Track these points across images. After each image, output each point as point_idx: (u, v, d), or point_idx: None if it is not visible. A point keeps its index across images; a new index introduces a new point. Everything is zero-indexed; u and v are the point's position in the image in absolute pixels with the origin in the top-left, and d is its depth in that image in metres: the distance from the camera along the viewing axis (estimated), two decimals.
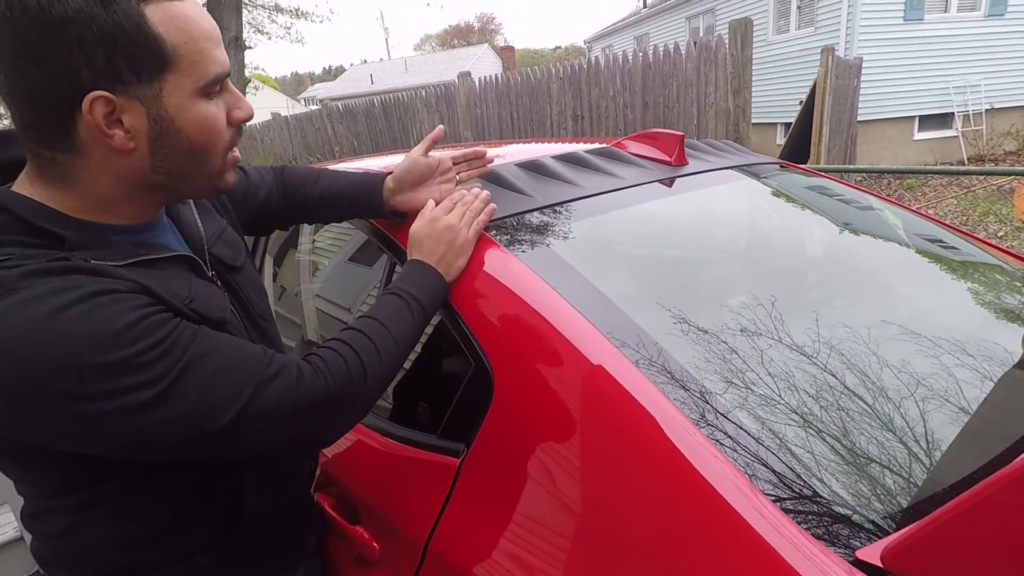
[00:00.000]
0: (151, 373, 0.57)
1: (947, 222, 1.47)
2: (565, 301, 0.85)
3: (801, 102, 6.20)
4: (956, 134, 8.79)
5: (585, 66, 5.17)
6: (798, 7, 9.21)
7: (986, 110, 8.75)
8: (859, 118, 7.26)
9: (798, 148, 5.93)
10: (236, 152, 0.72)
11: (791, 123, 6.50)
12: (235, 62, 12.01)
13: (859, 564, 0.58)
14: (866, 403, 0.80)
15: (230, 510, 0.77)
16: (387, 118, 7.53)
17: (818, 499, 0.66)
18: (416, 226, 0.90)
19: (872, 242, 1.33)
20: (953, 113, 8.78)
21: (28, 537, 0.82)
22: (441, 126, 1.07)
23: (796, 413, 0.77)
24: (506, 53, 31.22)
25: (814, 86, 5.65)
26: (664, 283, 1.05)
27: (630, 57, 4.84)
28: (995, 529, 0.45)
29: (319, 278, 1.68)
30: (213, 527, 0.75)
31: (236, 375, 0.62)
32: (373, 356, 0.74)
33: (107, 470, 0.66)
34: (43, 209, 0.62)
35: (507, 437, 0.81)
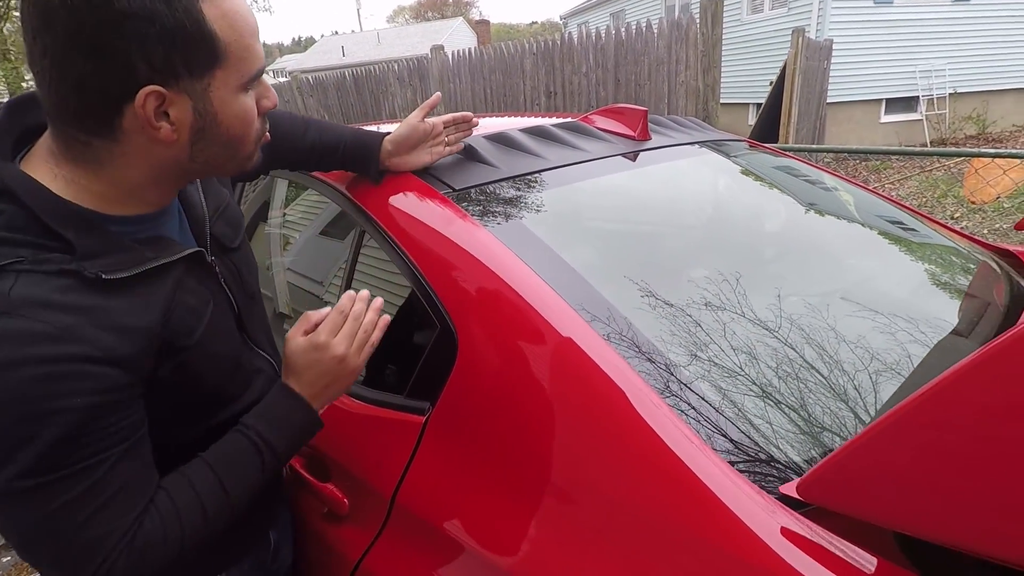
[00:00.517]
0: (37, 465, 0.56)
1: (891, 197, 1.54)
2: (526, 267, 0.89)
3: (772, 83, 6.29)
4: (920, 118, 9.01)
5: (558, 42, 5.16)
6: None
7: (949, 94, 8.99)
8: (828, 100, 7.40)
9: (768, 128, 6.03)
10: (266, 134, 0.73)
11: (763, 103, 6.59)
12: None
13: (784, 499, 0.64)
14: (806, 364, 0.86)
15: None
16: (359, 92, 7.40)
17: (757, 447, 0.72)
18: (298, 348, 0.77)
19: (823, 217, 1.40)
20: (918, 97, 8.99)
21: None
22: (438, 93, 1.12)
23: (740, 373, 0.83)
24: (481, 27, 30.70)
25: (784, 67, 5.74)
26: (621, 252, 1.10)
27: (603, 34, 4.85)
28: (883, 463, 0.52)
29: (291, 251, 1.69)
30: None
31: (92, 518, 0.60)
32: (198, 528, 0.68)
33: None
34: (58, 204, 0.61)
35: (469, 396, 0.86)
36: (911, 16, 8.65)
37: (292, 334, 0.78)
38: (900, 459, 0.51)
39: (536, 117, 1.63)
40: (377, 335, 0.81)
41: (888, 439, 0.52)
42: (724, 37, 4.47)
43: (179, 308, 0.68)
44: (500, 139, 1.23)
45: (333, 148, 1.07)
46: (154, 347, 0.65)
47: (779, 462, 0.70)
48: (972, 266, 1.26)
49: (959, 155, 2.75)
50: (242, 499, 0.71)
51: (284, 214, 1.74)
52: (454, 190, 1.06)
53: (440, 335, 0.91)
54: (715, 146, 1.47)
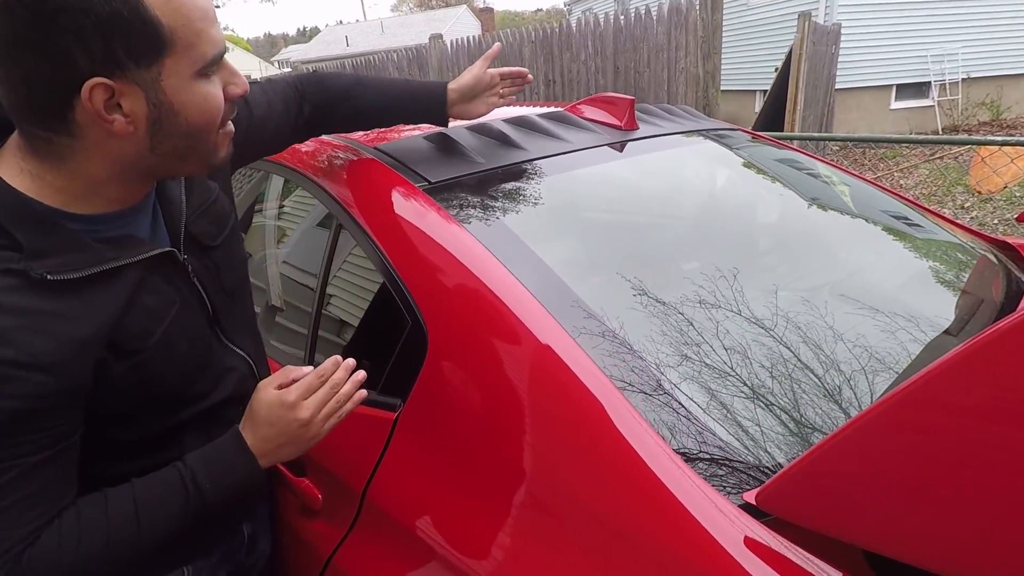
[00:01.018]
0: None
1: (885, 186, 1.51)
2: (499, 263, 0.87)
3: (776, 69, 6.19)
4: (932, 104, 8.85)
5: (557, 30, 5.09)
6: None
7: (962, 79, 8.81)
8: (836, 86, 7.27)
9: (773, 116, 5.94)
10: (230, 126, 0.71)
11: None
12: None
13: (748, 506, 0.63)
14: (782, 365, 0.84)
15: None
16: None
17: (726, 452, 0.71)
18: (265, 401, 0.74)
19: (811, 210, 1.37)
20: (930, 82, 8.82)
21: None
22: (498, 44, 1.17)
23: (713, 375, 0.81)
24: (485, 15, 30.48)
25: (790, 53, 5.64)
26: (600, 248, 1.08)
27: (602, 21, 4.78)
28: (842, 475, 0.50)
29: (280, 243, 1.68)
30: None
31: None
32: (98, 556, 0.65)
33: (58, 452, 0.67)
34: (13, 200, 0.61)
35: (438, 394, 0.85)
36: None
37: (265, 384, 0.76)
38: (859, 471, 0.49)
39: (522, 107, 1.61)
40: (348, 407, 0.77)
41: (847, 450, 0.50)
42: (729, 22, 4.39)
43: (136, 310, 0.67)
44: (481, 130, 1.21)
45: (397, 102, 1.09)
46: (95, 353, 0.63)
47: (747, 468, 0.69)
48: (969, 260, 1.23)
49: (965, 143, 2.69)
50: (155, 536, 0.68)
51: (280, 206, 1.74)
52: (430, 183, 1.04)
53: (411, 331, 0.89)
54: (705, 135, 1.45)
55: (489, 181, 1.09)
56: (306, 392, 0.74)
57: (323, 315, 1.16)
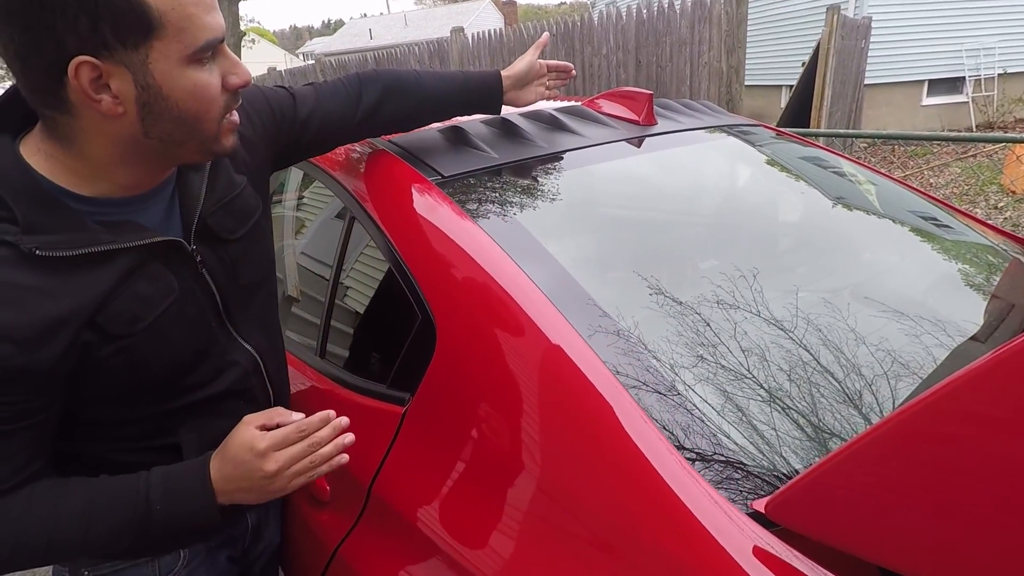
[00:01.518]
0: None
1: (909, 184, 1.46)
2: (509, 259, 0.86)
3: (804, 64, 6.05)
4: (966, 100, 8.59)
5: (579, 23, 5.04)
6: None
7: (999, 75, 8.53)
8: (866, 81, 7.09)
9: (799, 112, 5.82)
10: (235, 116, 0.71)
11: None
12: (228, 14, 11.65)
13: (756, 515, 0.61)
14: (799, 369, 0.82)
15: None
16: None
17: (737, 459, 0.69)
18: (240, 439, 0.71)
19: (835, 206, 1.33)
20: (964, 77, 8.56)
21: None
22: (547, 32, 1.22)
23: (726, 378, 0.79)
24: (508, 8, 30.33)
25: (817, 47, 5.51)
26: (613, 246, 1.06)
27: (624, 14, 4.72)
28: (855, 487, 0.48)
29: (299, 235, 1.69)
30: None
31: None
32: (33, 541, 0.65)
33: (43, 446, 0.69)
34: (22, 175, 0.63)
35: (446, 390, 0.84)
36: None
37: (249, 420, 0.74)
38: (876, 484, 0.47)
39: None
40: (323, 470, 0.73)
41: (864, 460, 0.48)
42: (754, 15, 4.31)
43: (125, 296, 0.68)
44: (496, 124, 1.20)
45: (456, 92, 1.09)
46: (71, 332, 0.64)
47: (758, 475, 0.67)
48: (1000, 263, 1.19)
49: (999, 140, 2.61)
50: (99, 540, 0.68)
51: (297, 198, 1.75)
52: (443, 177, 1.03)
53: (420, 325, 0.89)
54: (727, 131, 1.41)
55: (502, 176, 1.08)
56: (279, 444, 0.70)
57: (335, 307, 1.16)
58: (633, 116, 1.32)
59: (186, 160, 0.73)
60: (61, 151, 0.65)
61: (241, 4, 7.70)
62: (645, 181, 1.21)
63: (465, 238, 0.90)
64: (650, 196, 1.20)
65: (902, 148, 7.04)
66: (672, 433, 0.69)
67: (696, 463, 0.66)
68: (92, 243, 0.65)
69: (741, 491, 0.64)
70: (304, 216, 1.55)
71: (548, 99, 1.19)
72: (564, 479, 0.71)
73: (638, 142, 1.25)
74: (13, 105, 0.67)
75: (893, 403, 0.79)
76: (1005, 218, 4.84)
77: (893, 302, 0.97)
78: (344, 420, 0.74)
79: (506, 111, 1.30)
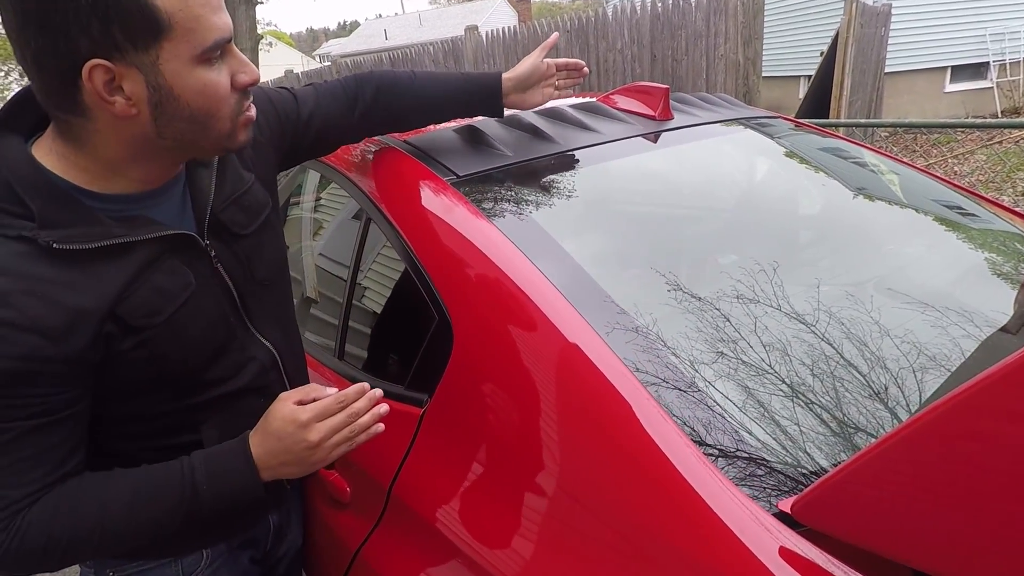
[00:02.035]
0: None
1: (933, 173, 1.42)
2: (526, 259, 0.85)
3: (822, 53, 5.95)
4: (991, 85, 8.37)
5: (593, 18, 5.00)
6: None
7: None
8: (886, 69, 6.94)
9: (818, 103, 5.72)
10: (252, 112, 0.72)
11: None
12: (246, 18, 11.77)
13: (783, 515, 0.60)
14: (824, 365, 0.80)
15: None
16: None
17: (762, 458, 0.68)
18: (279, 413, 0.73)
19: (857, 197, 1.31)
20: (988, 63, 8.34)
21: None
22: (556, 33, 1.15)
23: (748, 374, 0.78)
24: (522, 5, 30.21)
25: (836, 36, 5.41)
26: (631, 243, 1.05)
27: (638, 8, 4.68)
28: (886, 486, 0.47)
29: (317, 235, 1.70)
30: None
31: None
32: (85, 534, 0.67)
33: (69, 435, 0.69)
34: (35, 173, 0.64)
35: (464, 391, 0.84)
36: None
37: (285, 396, 0.75)
38: (909, 483, 0.46)
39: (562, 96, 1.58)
40: (362, 439, 0.75)
41: (896, 458, 0.47)
42: (771, 5, 4.23)
43: (145, 288, 0.69)
44: (510, 121, 1.19)
45: (450, 95, 1.07)
46: (98, 325, 0.65)
47: (784, 473, 0.66)
48: None
49: (1018, 126, 2.53)
50: (146, 529, 0.69)
51: (315, 199, 1.76)
52: (457, 176, 1.03)
53: (438, 326, 0.89)
54: (744, 124, 1.39)
55: (518, 174, 1.07)
56: (321, 415, 0.72)
57: (353, 307, 1.16)
58: (649, 111, 1.30)
59: (201, 156, 0.74)
60: (74, 152, 0.66)
61: (258, 7, 7.78)
62: (662, 177, 1.19)
63: (481, 238, 0.90)
64: (667, 192, 1.18)
65: (924, 136, 6.88)
66: (693, 432, 0.68)
67: (719, 461, 0.65)
68: (107, 236, 0.66)
69: (765, 490, 0.63)
70: (321, 217, 1.56)
71: (559, 98, 1.15)
72: (584, 480, 0.70)
73: (654, 137, 1.24)
74: (24, 109, 0.68)
75: (920, 397, 0.77)
76: None
77: (919, 294, 0.95)
78: (378, 391, 0.76)
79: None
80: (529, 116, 1.20)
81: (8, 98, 0.71)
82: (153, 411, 0.75)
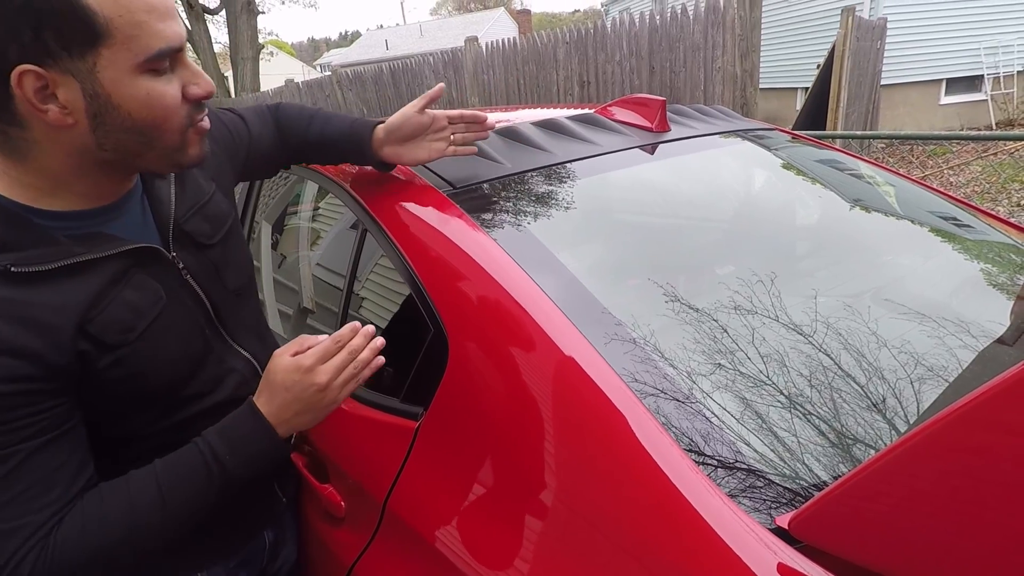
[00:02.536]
0: None
1: (926, 184, 1.43)
2: (521, 271, 0.85)
3: (819, 66, 5.99)
4: (985, 98, 8.45)
5: (592, 30, 5.03)
6: None
7: (1018, 72, 8.39)
8: (882, 82, 7.00)
9: (815, 114, 5.76)
10: (205, 122, 0.70)
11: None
12: (248, 28, 11.83)
13: (780, 531, 0.59)
14: (821, 377, 0.80)
15: None
16: (395, 84, 7.44)
17: (758, 474, 0.67)
18: (281, 366, 0.73)
19: (853, 208, 1.31)
20: (983, 75, 8.42)
21: None
22: (441, 84, 1.06)
23: (745, 387, 0.77)
24: (522, 17, 30.53)
25: (833, 49, 5.46)
26: (628, 255, 1.05)
27: (636, 20, 4.71)
28: (886, 502, 0.46)
29: (314, 245, 1.70)
30: None
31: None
32: (122, 537, 0.65)
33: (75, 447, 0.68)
34: None
35: (459, 404, 0.83)
36: None
37: (280, 352, 0.75)
38: (910, 498, 0.45)
39: (551, 109, 1.58)
40: (366, 374, 0.76)
41: (895, 473, 0.46)
42: (769, 18, 4.27)
43: (114, 304, 0.67)
44: (508, 133, 1.19)
45: (332, 141, 1.04)
46: (68, 340, 0.63)
47: (781, 487, 0.65)
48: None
49: (1017, 138, 2.55)
50: (181, 516, 0.68)
51: (312, 209, 1.76)
52: (454, 188, 1.03)
53: (433, 338, 0.88)
54: (741, 136, 1.40)
55: (514, 186, 1.07)
56: (323, 357, 0.73)
57: (348, 319, 1.16)
58: (646, 123, 1.31)
59: (150, 170, 0.72)
60: (15, 166, 0.63)
61: (260, 17, 7.80)
62: (658, 188, 1.19)
63: (477, 249, 0.90)
64: (664, 203, 1.18)
65: (920, 148, 6.93)
66: (692, 442, 0.67)
67: (716, 474, 0.65)
68: (65, 256, 0.64)
69: (763, 504, 0.62)
70: (318, 228, 1.56)
71: (458, 155, 1.03)
72: (580, 494, 0.69)
73: (651, 149, 1.24)
74: None
75: (918, 408, 0.76)
76: None
77: (916, 305, 0.95)
78: (370, 328, 0.77)
79: (519, 119, 1.29)
80: (526, 128, 1.21)
81: None
82: (146, 431, 0.74)
